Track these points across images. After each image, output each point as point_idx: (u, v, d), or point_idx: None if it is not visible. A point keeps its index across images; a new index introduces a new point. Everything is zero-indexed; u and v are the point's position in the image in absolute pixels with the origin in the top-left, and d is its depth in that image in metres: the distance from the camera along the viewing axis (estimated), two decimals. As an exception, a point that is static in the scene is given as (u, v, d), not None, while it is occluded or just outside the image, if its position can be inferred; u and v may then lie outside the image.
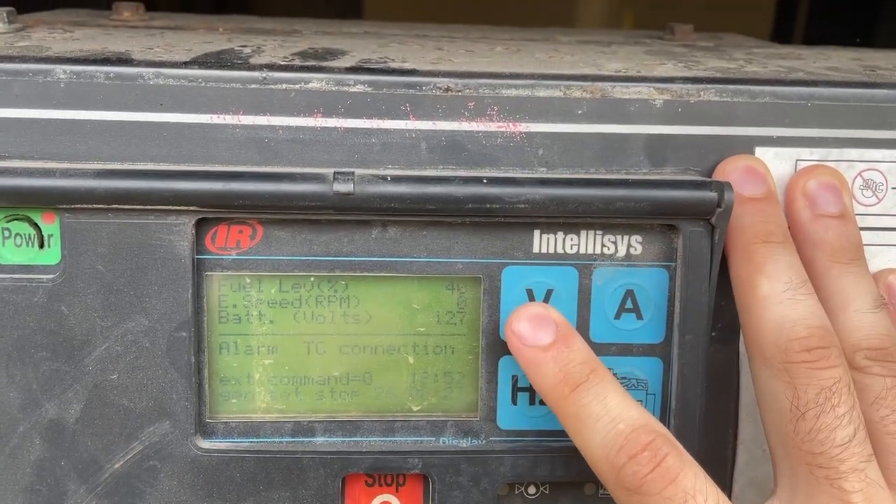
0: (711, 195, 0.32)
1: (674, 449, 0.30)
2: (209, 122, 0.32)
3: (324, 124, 0.33)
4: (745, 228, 0.33)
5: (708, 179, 0.33)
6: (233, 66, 0.33)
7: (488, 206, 0.32)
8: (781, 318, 0.31)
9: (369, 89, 0.33)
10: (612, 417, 0.30)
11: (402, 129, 0.33)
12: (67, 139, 0.32)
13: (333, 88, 0.33)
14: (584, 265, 0.34)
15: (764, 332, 0.31)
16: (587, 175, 0.33)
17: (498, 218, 0.32)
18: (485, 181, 0.32)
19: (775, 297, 0.31)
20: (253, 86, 0.32)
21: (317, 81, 0.33)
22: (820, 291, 0.32)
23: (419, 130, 0.33)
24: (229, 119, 0.32)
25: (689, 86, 0.34)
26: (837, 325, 0.32)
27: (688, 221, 0.33)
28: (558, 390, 0.31)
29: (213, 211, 0.31)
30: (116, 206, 0.31)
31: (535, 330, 0.32)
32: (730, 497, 0.36)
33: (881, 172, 0.35)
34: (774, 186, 0.34)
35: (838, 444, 0.29)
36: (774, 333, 0.31)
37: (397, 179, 0.31)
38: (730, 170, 0.33)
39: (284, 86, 0.32)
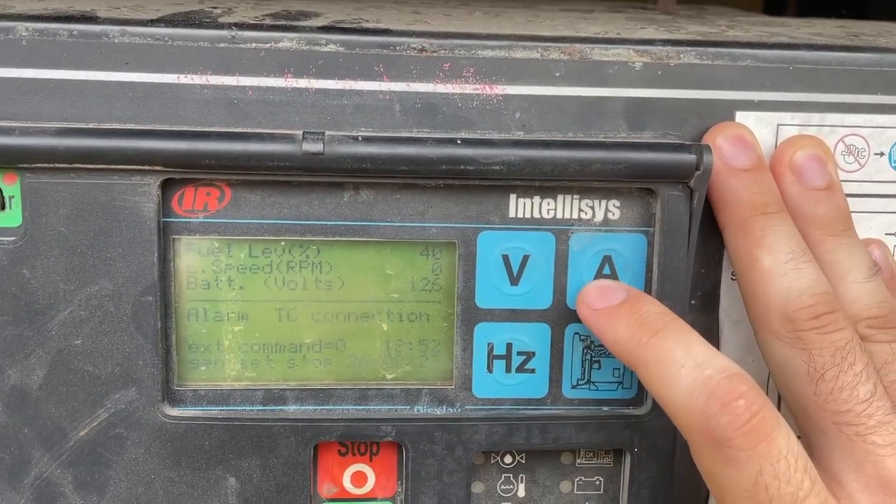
0: (690, 158, 0.31)
1: (767, 402, 0.28)
2: (176, 81, 0.31)
3: (294, 85, 0.32)
4: (740, 201, 0.32)
5: (687, 142, 0.32)
6: (201, 25, 0.32)
7: (462, 167, 0.31)
8: (787, 290, 0.31)
9: (341, 49, 0.32)
10: (698, 363, 0.28)
11: (376, 91, 0.32)
12: (29, 99, 0.31)
13: (304, 48, 0.32)
14: (561, 230, 0.33)
15: (769, 305, 0.31)
16: (563, 137, 0.32)
17: (472, 180, 0.32)
18: (459, 142, 0.31)
19: (778, 269, 0.31)
20: (221, 45, 0.31)
21: (287, 41, 0.32)
22: None
23: (393, 92, 0.32)
24: (197, 79, 0.31)
25: (670, 48, 0.33)
26: (836, 296, 0.32)
27: (666, 185, 0.32)
28: (636, 338, 0.30)
29: (179, 171, 0.30)
30: (78, 165, 0.30)
31: (605, 294, 0.31)
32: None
33: (863, 138, 0.35)
34: (762, 154, 0.33)
35: (862, 399, 0.29)
36: (781, 305, 0.31)
37: (368, 140, 0.31)
38: (720, 140, 0.33)
39: (254, 45, 0.32)
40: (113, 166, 0.30)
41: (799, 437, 0.32)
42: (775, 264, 0.31)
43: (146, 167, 0.30)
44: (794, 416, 0.32)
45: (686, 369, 0.28)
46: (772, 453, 0.27)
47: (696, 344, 0.29)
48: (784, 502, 0.27)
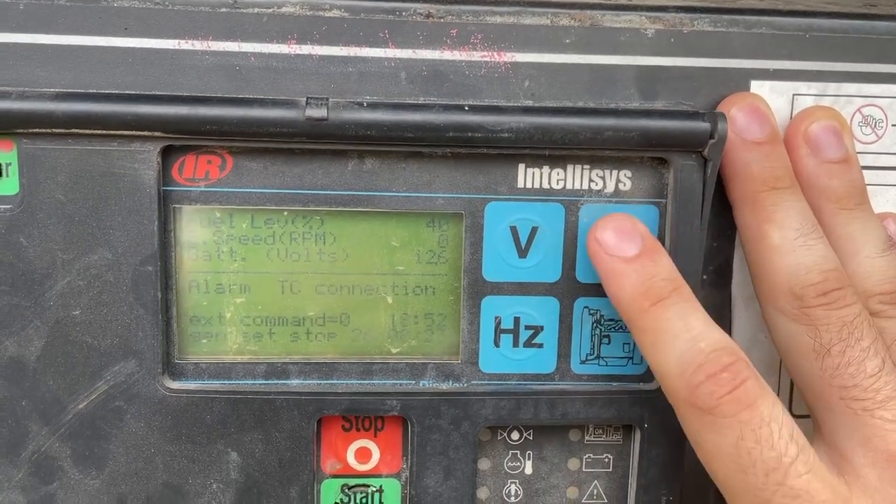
0: (704, 126, 0.31)
1: (754, 375, 0.29)
2: (177, 47, 0.30)
3: (298, 51, 0.31)
4: (751, 175, 0.32)
5: (701, 111, 0.31)
6: None
7: (470, 135, 0.30)
8: (795, 266, 0.30)
9: (346, 14, 0.31)
10: (692, 335, 0.29)
11: (381, 58, 0.31)
12: (27, 64, 0.30)
13: (308, 13, 0.31)
14: (571, 201, 0.32)
15: (777, 281, 0.30)
16: (574, 105, 0.31)
17: (480, 149, 0.31)
18: (466, 108, 0.30)
19: (787, 244, 0.31)
20: (223, 9, 0.31)
21: (290, 6, 0.31)
22: (828, 238, 0.32)
23: (398, 59, 0.31)
24: (198, 45, 0.31)
25: (683, 15, 0.32)
26: (848, 271, 0.31)
27: (679, 154, 0.31)
28: (637, 303, 0.30)
29: (180, 137, 0.30)
30: (77, 130, 0.29)
31: (621, 240, 0.31)
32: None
33: (881, 108, 0.34)
34: (777, 126, 0.33)
35: (870, 374, 0.29)
36: (789, 281, 0.30)
37: (373, 106, 0.30)
38: (734, 111, 0.32)
39: (256, 10, 0.31)
40: (112, 132, 0.29)
41: (803, 417, 0.31)
42: (784, 240, 0.31)
43: (146, 133, 0.29)
44: (802, 394, 0.31)
45: (680, 341, 0.29)
46: (754, 420, 0.28)
47: (694, 317, 0.29)
48: (768, 466, 0.28)
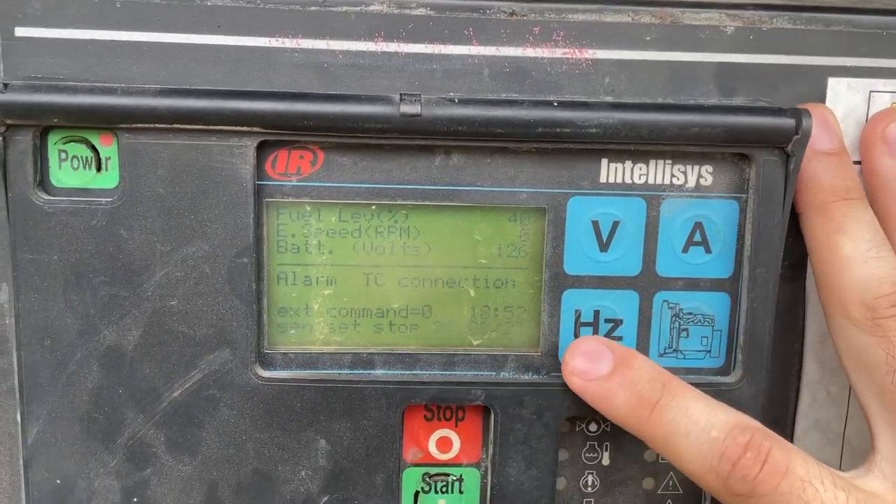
0: (789, 122, 0.31)
1: (774, 440, 0.29)
2: (267, 45, 0.31)
3: (384, 49, 0.32)
4: (822, 185, 0.32)
5: (783, 107, 0.32)
6: None
7: (558, 130, 0.31)
8: (867, 277, 0.30)
9: (431, 12, 0.32)
10: (701, 427, 0.29)
11: (465, 55, 0.32)
12: (122, 61, 0.31)
13: (395, 11, 0.32)
14: (653, 196, 0.33)
15: (848, 291, 0.31)
16: (654, 101, 0.32)
17: (567, 144, 0.31)
18: (555, 104, 0.31)
19: (859, 256, 0.31)
20: (312, 8, 0.31)
21: (378, 4, 0.32)
22: None
23: (482, 56, 0.32)
24: (288, 42, 0.31)
25: (762, 13, 0.33)
26: None
27: (762, 150, 0.32)
28: (637, 414, 0.30)
29: (277, 133, 0.30)
30: (178, 126, 0.30)
31: (592, 362, 0.31)
32: (792, 439, 0.35)
33: (958, 105, 0.34)
34: (843, 140, 0.33)
35: None
36: (860, 292, 0.30)
37: (465, 102, 0.30)
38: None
39: (344, 8, 0.31)
40: (212, 127, 0.30)
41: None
42: (856, 252, 0.31)
43: (244, 128, 0.30)
44: (865, 407, 0.32)
45: (692, 436, 0.29)
46: (795, 485, 0.28)
47: (694, 406, 0.30)
48: None
